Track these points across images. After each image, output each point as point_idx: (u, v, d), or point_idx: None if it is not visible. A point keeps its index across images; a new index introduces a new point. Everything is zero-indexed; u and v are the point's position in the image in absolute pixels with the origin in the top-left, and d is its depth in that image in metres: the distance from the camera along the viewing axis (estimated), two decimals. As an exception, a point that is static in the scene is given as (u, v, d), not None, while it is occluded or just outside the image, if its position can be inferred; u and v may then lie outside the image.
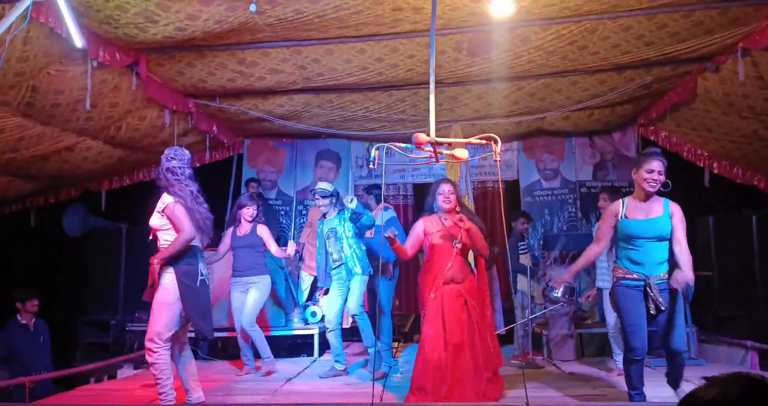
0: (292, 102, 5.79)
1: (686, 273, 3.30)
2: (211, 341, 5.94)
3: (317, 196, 4.97)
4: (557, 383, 4.51)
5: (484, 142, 3.06)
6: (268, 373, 5.02)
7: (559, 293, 5.40)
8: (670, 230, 3.43)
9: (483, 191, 7.46)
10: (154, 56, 4.58)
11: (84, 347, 7.38)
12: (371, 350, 4.85)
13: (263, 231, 5.09)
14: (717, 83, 5.10)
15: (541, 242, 6.80)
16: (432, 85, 2.99)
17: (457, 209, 3.98)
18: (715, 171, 6.56)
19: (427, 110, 6.00)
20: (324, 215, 5.05)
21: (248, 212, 5.08)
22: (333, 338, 4.90)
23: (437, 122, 6.22)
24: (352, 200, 4.87)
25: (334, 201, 5.00)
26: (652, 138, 6.79)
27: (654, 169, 3.42)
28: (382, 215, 5.84)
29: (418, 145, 2.96)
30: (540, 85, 5.45)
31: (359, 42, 4.41)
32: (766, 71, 4.52)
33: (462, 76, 5.16)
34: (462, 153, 3.10)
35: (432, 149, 3.01)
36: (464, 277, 3.86)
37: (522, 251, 5.81)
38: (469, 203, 5.61)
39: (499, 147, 3.05)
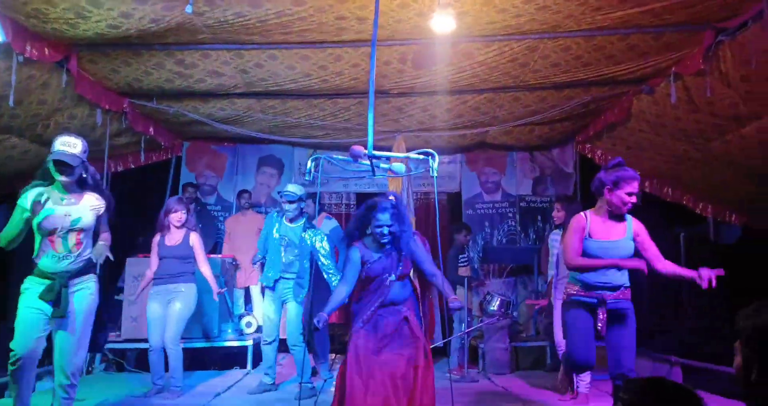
0: (233, 106, 5.67)
1: (703, 270, 3.10)
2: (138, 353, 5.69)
3: (284, 200, 4.73)
4: (490, 397, 4.55)
5: (421, 157, 3.05)
6: (173, 397, 4.56)
7: (495, 306, 5.46)
8: (633, 252, 3.35)
9: (426, 202, 7.50)
10: (86, 53, 4.38)
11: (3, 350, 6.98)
12: (307, 385, 4.69)
13: (196, 241, 4.73)
14: (651, 105, 5.31)
15: (481, 255, 6.89)
16: (371, 98, 2.96)
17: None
18: (647, 189, 6.83)
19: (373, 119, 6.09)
20: (290, 221, 4.78)
21: (177, 216, 4.69)
22: (270, 350, 4.74)
23: (382, 132, 6.29)
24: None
25: (302, 206, 4.78)
26: (589, 155, 7.01)
27: (634, 192, 3.30)
28: (324, 224, 5.79)
29: (356, 158, 2.92)
30: (483, 100, 5.53)
31: (303, 48, 4.35)
32: (696, 96, 4.73)
33: (407, 87, 5.18)
34: (399, 168, 3.08)
35: (369, 163, 2.97)
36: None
37: (462, 264, 5.86)
38: (410, 214, 5.62)
39: (436, 162, 3.05)
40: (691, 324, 6.45)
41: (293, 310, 4.65)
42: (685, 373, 5.27)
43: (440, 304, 6.67)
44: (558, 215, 4.86)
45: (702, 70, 4.42)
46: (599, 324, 3.29)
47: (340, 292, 3.47)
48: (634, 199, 3.29)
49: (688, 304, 6.82)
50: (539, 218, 7.21)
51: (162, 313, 4.63)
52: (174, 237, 4.74)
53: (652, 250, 3.39)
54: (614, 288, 3.35)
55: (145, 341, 5.43)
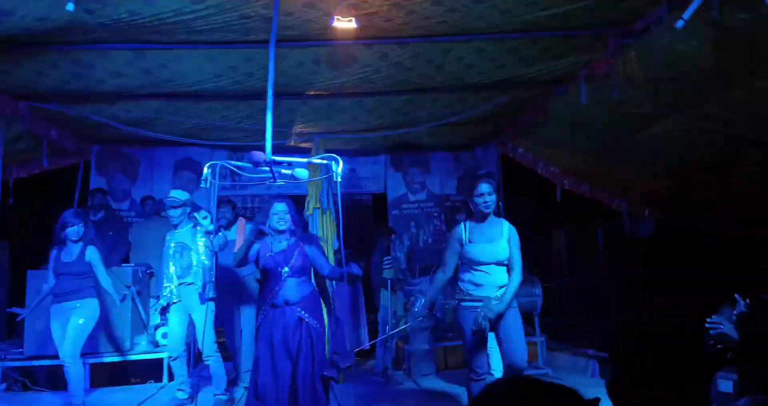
0: (141, 108, 5.38)
1: (491, 308, 3.42)
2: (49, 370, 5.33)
3: (168, 205, 4.57)
4: (410, 400, 4.53)
5: (324, 161, 2.96)
6: None
7: (419, 307, 5.43)
8: (509, 254, 3.59)
9: (351, 203, 7.42)
10: (-31, 52, 4.02)
11: None
12: (222, 398, 4.53)
13: (93, 256, 4.53)
14: (565, 106, 5.42)
15: (407, 256, 6.86)
16: (270, 101, 2.86)
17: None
18: (566, 187, 7.01)
19: (291, 122, 5.94)
20: (175, 227, 4.65)
21: (74, 231, 4.48)
22: (177, 367, 4.53)
23: (300, 135, 6.15)
24: (205, 217, 4.60)
25: (187, 211, 4.62)
26: (511, 155, 7.12)
27: (483, 192, 3.55)
28: (246, 230, 5.51)
29: (256, 165, 2.79)
30: (403, 101, 5.48)
31: (210, 48, 4.16)
32: (606, 97, 4.86)
33: (324, 89, 5.06)
34: (302, 173, 2.97)
35: (269, 169, 2.84)
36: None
37: (386, 266, 5.81)
38: (331, 218, 5.51)
39: (340, 167, 2.97)
40: (611, 318, 6.68)
41: (200, 319, 4.46)
42: (602, 366, 5.43)
43: (368, 306, 6.61)
44: (459, 216, 4.97)
45: (610, 72, 4.54)
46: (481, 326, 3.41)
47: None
48: (485, 197, 3.55)
49: (609, 299, 7.06)
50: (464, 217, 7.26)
51: (62, 330, 4.44)
52: (71, 252, 4.50)
53: (513, 257, 3.63)
54: (496, 291, 3.47)
55: (52, 357, 5.12)
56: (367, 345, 5.80)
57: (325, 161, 3.00)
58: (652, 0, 3.71)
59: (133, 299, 5.57)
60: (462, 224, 3.72)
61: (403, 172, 7.33)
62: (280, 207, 3.71)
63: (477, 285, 3.53)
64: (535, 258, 7.42)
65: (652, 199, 6.71)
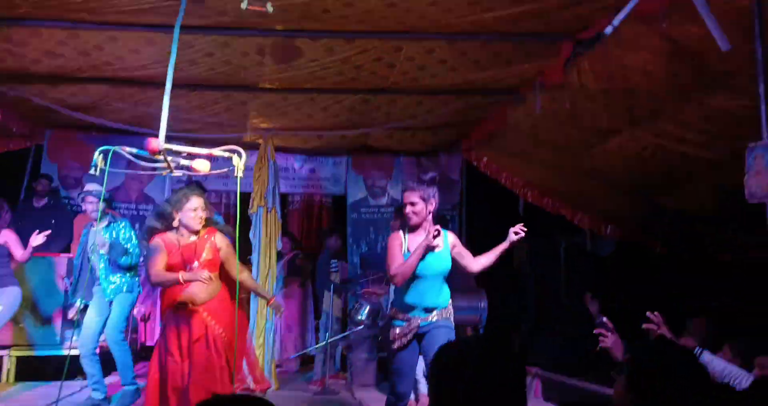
0: (86, 92, 5.19)
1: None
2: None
3: (88, 198, 4.39)
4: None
5: (227, 154, 2.80)
6: None
7: (363, 315, 5.27)
8: (451, 264, 3.42)
9: (309, 204, 7.25)
10: None
11: None
12: (128, 388, 4.34)
13: (9, 237, 4.42)
14: (524, 115, 5.29)
15: (361, 261, 6.70)
16: (168, 85, 2.71)
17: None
18: (529, 199, 6.87)
19: (246, 116, 5.77)
20: (92, 223, 4.48)
21: None
22: (88, 365, 4.32)
23: (252, 130, 5.97)
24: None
25: (105, 206, 4.44)
26: (475, 163, 6.97)
27: (408, 201, 3.35)
28: None
29: (152, 152, 2.62)
30: (358, 100, 5.33)
31: (145, 31, 3.99)
32: (561, 108, 4.73)
33: (274, 82, 4.90)
34: (202, 165, 2.81)
35: (165, 158, 2.67)
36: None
37: (333, 269, 5.64)
38: (277, 217, 5.33)
39: (242, 160, 2.80)
40: (561, 337, 6.53)
41: (117, 306, 4.28)
42: (545, 385, 5.27)
43: (314, 309, 6.43)
44: (394, 224, 4.79)
45: (563, 83, 4.41)
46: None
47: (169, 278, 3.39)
48: (409, 208, 3.35)
49: (560, 318, 6.92)
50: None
51: None
52: None
53: (468, 256, 3.49)
54: (428, 309, 3.30)
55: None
56: (309, 350, 5.62)
57: (227, 154, 2.82)
58: (603, 8, 3.57)
59: (66, 292, 5.37)
60: (400, 231, 3.48)
61: (364, 175, 7.17)
62: (197, 202, 3.49)
63: (409, 305, 3.33)
64: (494, 271, 7.34)
65: (611, 216, 6.59)
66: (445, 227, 3.47)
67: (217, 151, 2.81)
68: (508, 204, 7.16)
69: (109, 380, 4.70)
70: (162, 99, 5.33)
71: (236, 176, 2.82)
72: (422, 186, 3.35)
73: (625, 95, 4.22)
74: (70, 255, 5.74)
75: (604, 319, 2.37)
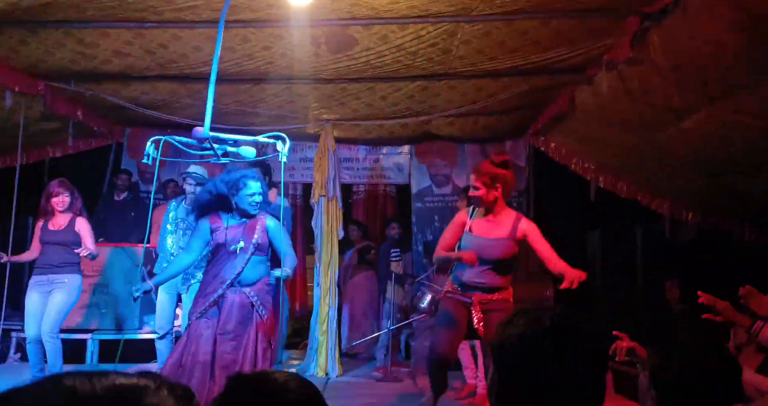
0: (156, 90, 5.43)
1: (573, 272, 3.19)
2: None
3: (189, 180, 4.54)
4: (395, 397, 4.36)
5: (271, 140, 2.83)
6: None
7: (425, 303, 5.25)
8: (511, 252, 3.35)
9: (374, 194, 7.28)
10: (-21, 30, 4.15)
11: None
12: None
13: (83, 225, 4.55)
14: (592, 96, 5.05)
15: (425, 251, 6.66)
16: (213, 75, 2.75)
17: None
18: (601, 185, 6.58)
19: (307, 107, 5.85)
20: (183, 199, 4.66)
21: (58, 200, 4.49)
22: (162, 344, 4.53)
23: (314, 121, 6.04)
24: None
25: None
26: (543, 149, 6.76)
27: (471, 185, 3.35)
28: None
29: (200, 141, 2.70)
30: (417, 88, 5.28)
31: (204, 28, 4.12)
32: (632, 86, 4.48)
33: (331, 73, 4.93)
34: (247, 152, 2.86)
35: (211, 145, 2.74)
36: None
37: (394, 258, 5.64)
38: (338, 206, 5.38)
39: (286, 146, 2.83)
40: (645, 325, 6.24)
41: (166, 295, 4.46)
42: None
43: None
44: (461, 204, 4.73)
45: (632, 59, 4.17)
46: (475, 324, 3.17)
47: (181, 261, 3.62)
48: (472, 192, 3.35)
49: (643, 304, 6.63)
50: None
51: (41, 304, 4.41)
52: (58, 222, 4.54)
53: (543, 253, 3.38)
54: (488, 289, 3.24)
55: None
56: (370, 338, 5.66)
57: (271, 141, 2.86)
58: (670, -23, 3.35)
59: (143, 278, 5.66)
60: (471, 208, 3.53)
61: (427, 164, 7.11)
62: (256, 187, 3.54)
63: (466, 280, 3.41)
64: (567, 261, 7.09)
65: (694, 200, 6.19)
66: None
67: (262, 138, 2.86)
68: (578, 190, 6.88)
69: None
70: (227, 94, 5.56)
71: (280, 161, 2.86)
72: (487, 170, 3.30)
73: (698, 70, 3.93)
74: (148, 245, 6.06)
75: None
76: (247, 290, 3.46)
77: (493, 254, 3.34)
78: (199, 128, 2.63)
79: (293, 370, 4.74)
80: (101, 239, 6.36)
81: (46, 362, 4.42)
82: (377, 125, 6.17)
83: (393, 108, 5.71)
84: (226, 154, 2.78)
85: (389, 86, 5.27)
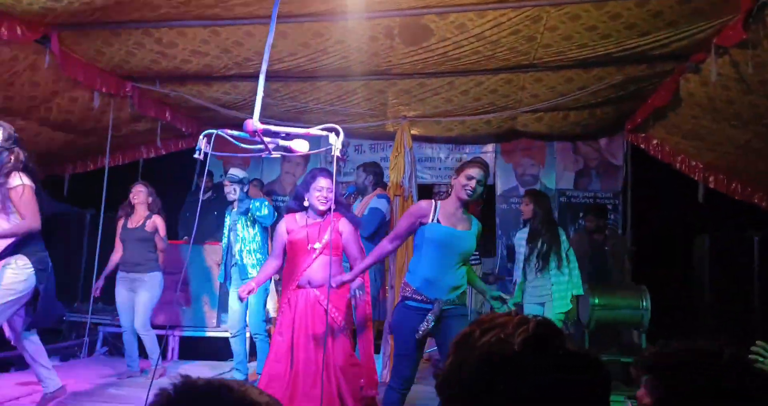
0: (237, 90, 5.50)
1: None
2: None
3: (226, 182, 4.65)
4: None
5: (324, 132, 2.68)
6: (160, 375, 4.68)
7: (506, 310, 4.93)
8: (474, 249, 3.24)
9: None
10: (68, 33, 4.33)
11: (38, 332, 7.29)
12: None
13: (158, 223, 4.80)
14: (699, 85, 4.55)
15: (506, 253, 6.33)
16: (264, 66, 2.63)
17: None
18: (711, 185, 5.96)
19: (385, 104, 5.71)
20: (232, 204, 4.73)
21: (135, 191, 4.80)
22: (235, 343, 4.60)
23: (388, 117, 5.88)
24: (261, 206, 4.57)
25: (245, 189, 4.65)
26: (642, 146, 6.23)
27: (474, 177, 3.10)
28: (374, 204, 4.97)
29: (252, 134, 2.60)
30: (500, 81, 4.99)
31: (277, 23, 4.05)
32: (746, 73, 3.96)
33: (407, 67, 4.75)
34: (300, 145, 2.72)
35: (261, 139, 2.63)
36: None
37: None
38: (413, 202, 5.17)
39: (339, 139, 2.67)
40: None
41: (253, 296, 4.43)
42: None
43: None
44: (525, 208, 4.38)
45: (746, 41, 3.67)
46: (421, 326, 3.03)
47: (269, 265, 3.60)
48: (473, 183, 3.10)
49: (759, 316, 5.95)
50: (581, 214, 6.51)
51: (128, 298, 4.75)
52: (136, 219, 4.80)
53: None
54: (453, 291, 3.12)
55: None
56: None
57: (325, 133, 2.71)
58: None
59: (226, 278, 5.75)
60: (432, 200, 3.28)
61: (513, 163, 6.76)
62: (325, 183, 3.44)
63: (430, 282, 3.13)
64: (669, 269, 6.48)
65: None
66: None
67: (314, 130, 2.72)
68: (684, 191, 6.27)
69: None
70: (305, 92, 5.52)
71: (333, 155, 2.71)
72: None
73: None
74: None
75: None
76: (317, 291, 3.37)
77: (462, 247, 3.12)
78: (250, 121, 2.53)
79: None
80: (185, 238, 6.58)
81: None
82: (458, 122, 5.92)
83: (474, 104, 5.44)
84: (278, 147, 2.67)
85: (470, 80, 5.02)
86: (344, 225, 3.49)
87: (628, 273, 5.24)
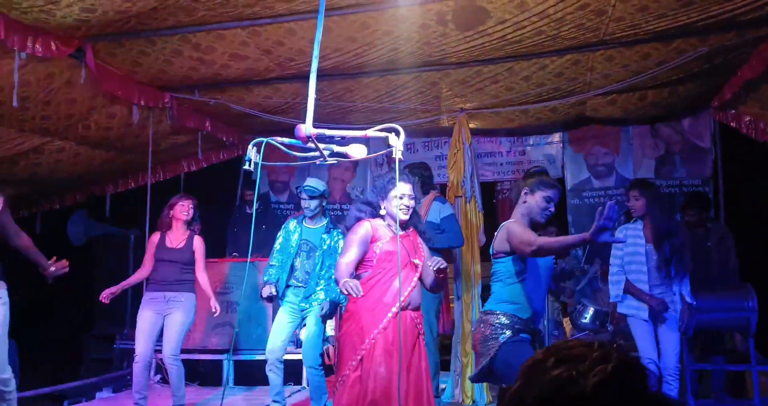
0: (279, 93, 5.51)
1: None
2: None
3: (304, 195, 4.42)
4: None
5: (383, 133, 2.60)
6: None
7: (588, 318, 4.76)
8: None
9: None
10: (102, 45, 4.42)
11: (89, 362, 7.49)
12: None
13: (199, 246, 4.62)
14: (799, 52, 4.28)
15: (583, 254, 6.10)
16: (314, 64, 2.57)
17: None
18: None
19: (439, 97, 5.62)
20: (311, 220, 4.48)
21: (183, 208, 4.61)
22: (272, 371, 4.33)
23: (443, 111, 5.78)
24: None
25: (324, 204, 4.46)
26: (732, 124, 5.91)
27: (553, 199, 3.06)
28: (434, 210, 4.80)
29: (304, 141, 2.54)
30: (566, 63, 4.83)
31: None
32: None
33: (463, 55, 4.65)
34: (357, 151, 2.64)
35: (315, 145, 2.56)
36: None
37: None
38: (477, 208, 5.06)
39: (400, 140, 2.58)
40: None
41: (312, 325, 4.31)
42: None
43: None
44: (636, 204, 4.12)
45: None
46: None
47: (347, 268, 3.21)
48: (552, 208, 3.05)
49: None
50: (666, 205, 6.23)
51: (155, 322, 4.51)
52: (176, 238, 4.65)
53: None
54: None
55: (192, 351, 5.45)
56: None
57: (384, 134, 2.63)
58: None
59: (279, 296, 5.76)
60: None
61: (584, 153, 6.55)
62: (405, 188, 3.30)
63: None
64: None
65: None
66: None
67: (372, 132, 2.65)
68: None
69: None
70: (351, 90, 5.50)
71: (394, 158, 2.62)
72: None
73: None
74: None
75: None
76: (413, 313, 3.26)
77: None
78: (302, 126, 2.47)
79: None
80: (234, 254, 6.64)
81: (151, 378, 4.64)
82: (520, 111, 5.77)
83: (538, 90, 5.29)
84: (333, 154, 2.61)
85: (532, 64, 4.87)
86: (420, 241, 3.41)
87: (735, 272, 4.94)
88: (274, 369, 4.36)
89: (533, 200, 3.02)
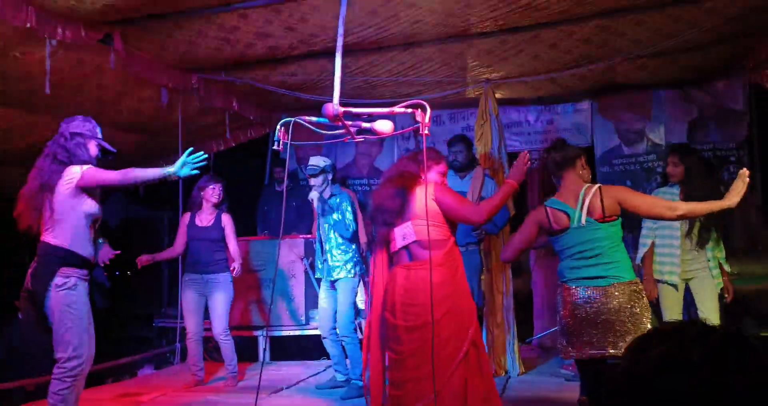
0: (304, 70, 5.51)
1: None
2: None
3: (307, 174, 4.63)
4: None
5: (409, 110, 2.61)
6: (232, 385, 4.80)
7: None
8: None
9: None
10: (130, 29, 4.47)
11: (129, 341, 7.72)
12: (355, 383, 4.41)
13: (228, 223, 4.83)
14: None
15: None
16: (340, 41, 2.57)
17: None
18: None
19: (464, 69, 5.57)
20: (321, 196, 4.64)
21: (213, 192, 4.82)
22: (328, 346, 4.60)
23: (469, 83, 5.73)
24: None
25: (329, 178, 4.62)
26: (767, 85, 5.75)
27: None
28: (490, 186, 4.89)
29: (330, 118, 2.56)
30: (594, 29, 4.73)
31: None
32: None
33: (487, 24, 4.59)
34: (384, 126, 2.66)
35: (343, 123, 2.58)
36: None
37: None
38: (503, 176, 5.03)
39: (427, 117, 2.59)
40: None
41: (342, 293, 4.44)
42: None
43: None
44: (675, 170, 4.06)
45: None
46: None
47: None
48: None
49: None
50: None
51: (199, 302, 4.80)
52: (205, 217, 4.82)
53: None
54: None
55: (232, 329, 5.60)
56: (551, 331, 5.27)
57: (410, 110, 2.63)
58: None
59: (306, 272, 5.85)
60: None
61: (614, 119, 6.44)
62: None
63: None
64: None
65: None
66: None
67: (398, 109, 2.65)
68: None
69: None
70: (376, 65, 5.48)
71: (421, 134, 2.63)
72: None
73: None
74: (309, 236, 6.23)
75: None
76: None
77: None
78: (329, 104, 2.49)
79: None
80: (266, 232, 6.73)
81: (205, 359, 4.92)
82: (547, 80, 5.69)
83: (566, 57, 5.20)
84: (360, 131, 2.63)
85: (558, 32, 4.78)
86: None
87: (758, 236, 4.87)
88: (329, 342, 4.61)
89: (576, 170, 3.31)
